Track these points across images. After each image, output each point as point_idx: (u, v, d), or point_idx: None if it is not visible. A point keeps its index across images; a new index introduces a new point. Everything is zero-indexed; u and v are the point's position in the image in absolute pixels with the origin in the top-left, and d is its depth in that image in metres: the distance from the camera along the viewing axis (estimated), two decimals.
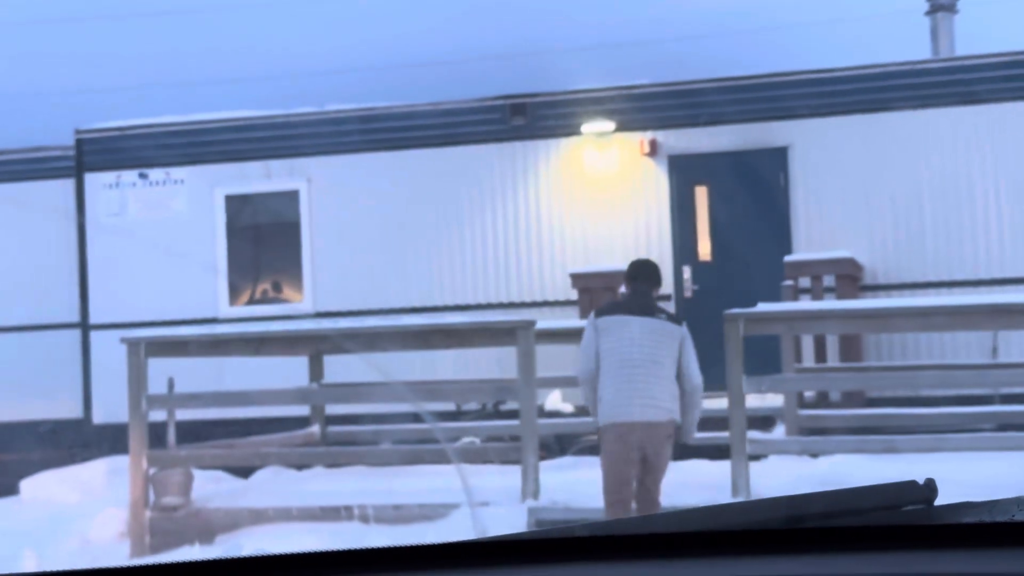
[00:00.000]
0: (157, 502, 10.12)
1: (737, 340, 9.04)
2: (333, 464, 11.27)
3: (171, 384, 10.36)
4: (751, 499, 1.83)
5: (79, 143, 15.74)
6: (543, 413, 13.64)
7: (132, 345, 9.99)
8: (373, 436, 12.64)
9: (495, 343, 9.71)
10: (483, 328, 9.65)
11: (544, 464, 10.07)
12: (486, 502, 9.59)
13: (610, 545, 1.60)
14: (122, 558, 10.15)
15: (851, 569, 1.50)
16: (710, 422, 12.60)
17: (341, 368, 12.71)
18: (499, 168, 14.60)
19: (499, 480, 10.18)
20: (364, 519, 9.72)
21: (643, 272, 8.09)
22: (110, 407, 15.33)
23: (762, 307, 9.33)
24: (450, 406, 13.28)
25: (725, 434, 12.06)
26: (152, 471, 10.15)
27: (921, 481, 1.84)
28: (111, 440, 15.07)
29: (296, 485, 11.18)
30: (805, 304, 11.31)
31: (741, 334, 9.07)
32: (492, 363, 13.84)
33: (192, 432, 12.07)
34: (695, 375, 7.79)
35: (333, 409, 12.78)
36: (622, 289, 9.28)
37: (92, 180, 15.64)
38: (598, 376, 7.81)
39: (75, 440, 15.45)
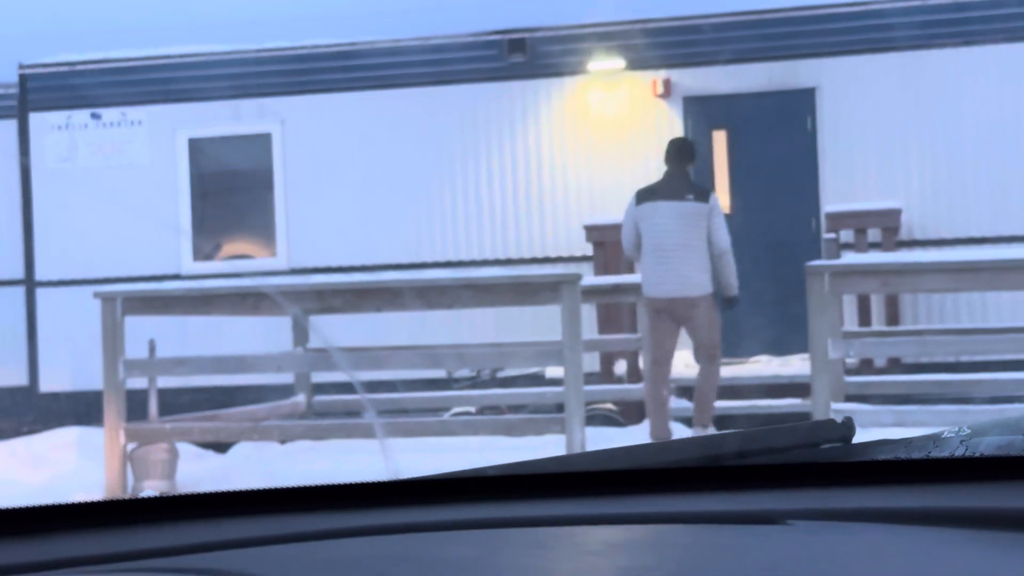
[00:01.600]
0: (137, 485, 8.74)
1: (821, 296, 7.81)
2: (319, 437, 9.90)
3: (152, 347, 8.96)
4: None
5: (23, 79, 14.15)
6: (544, 381, 12.41)
7: (107, 301, 8.58)
8: (367, 405, 11.35)
9: (534, 300, 8.41)
10: (520, 283, 8.35)
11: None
12: None
13: (524, 484, 1.59)
14: None
15: (767, 504, 1.50)
16: (759, 388, 11.44)
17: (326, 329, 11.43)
18: (495, 110, 13.25)
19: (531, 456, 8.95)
20: None
21: (675, 152, 9.11)
22: (59, 373, 13.90)
23: (849, 259, 8.13)
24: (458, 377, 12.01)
25: (778, 402, 10.95)
26: (131, 447, 8.76)
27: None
28: (61, 410, 13.67)
29: (289, 463, 9.85)
30: (903, 256, 10.12)
31: (826, 289, 7.84)
32: (488, 326, 12.57)
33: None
34: (721, 241, 8.91)
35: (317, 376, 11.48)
36: None
37: (38, 121, 14.07)
38: (639, 254, 9.09)
39: (21, 409, 13.96)
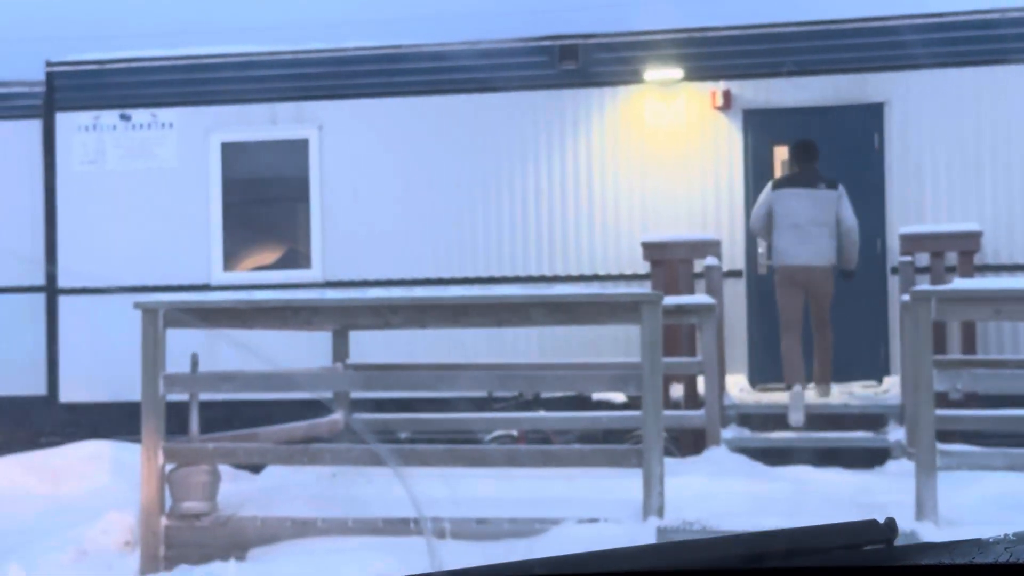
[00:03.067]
0: (176, 507, 8.11)
1: (926, 324, 7.18)
2: (375, 464, 9.22)
3: (195, 361, 8.33)
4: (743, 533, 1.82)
5: (50, 77, 13.56)
6: (590, 404, 11.79)
7: (148, 312, 7.96)
8: (408, 426, 10.75)
9: (611, 320, 7.79)
10: (597, 303, 7.72)
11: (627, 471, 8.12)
12: (595, 518, 7.71)
13: None
14: (130, 573, 8.14)
15: None
16: (824, 418, 10.80)
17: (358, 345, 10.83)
18: (545, 119, 12.64)
19: (600, 490, 8.32)
20: (440, 534, 7.79)
21: (803, 153, 10.70)
22: (81, 384, 13.28)
23: (959, 284, 7.51)
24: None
25: (847, 434, 10.32)
26: (169, 468, 8.13)
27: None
28: (82, 421, 13.06)
29: (332, 488, 9.23)
30: (1015, 281, 9.50)
31: (931, 317, 7.21)
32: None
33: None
34: (848, 219, 10.42)
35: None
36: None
37: (65, 121, 13.47)
38: (772, 232, 10.58)
39: (40, 420, 13.33)
